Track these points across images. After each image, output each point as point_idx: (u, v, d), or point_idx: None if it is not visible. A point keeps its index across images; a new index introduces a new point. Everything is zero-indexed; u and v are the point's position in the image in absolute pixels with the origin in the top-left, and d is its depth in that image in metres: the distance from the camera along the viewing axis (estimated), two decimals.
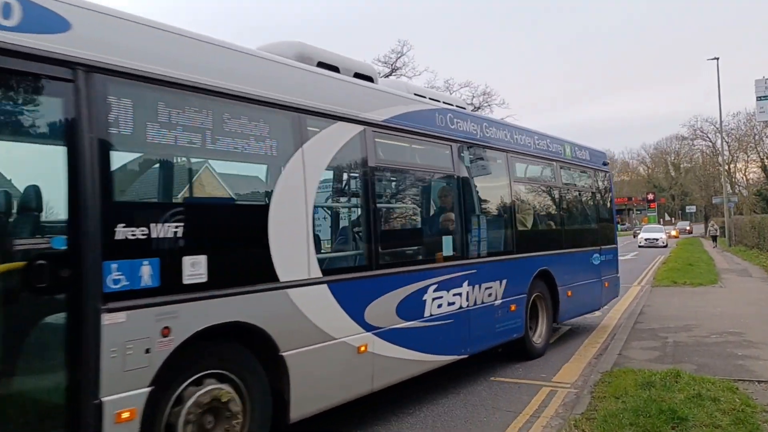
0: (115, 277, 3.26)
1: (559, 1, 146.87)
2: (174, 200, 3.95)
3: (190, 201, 4.00)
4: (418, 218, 6.32)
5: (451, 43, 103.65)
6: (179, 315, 3.53)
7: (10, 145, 3.38)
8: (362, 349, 4.88)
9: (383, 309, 5.14)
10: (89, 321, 3.15)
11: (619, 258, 11.30)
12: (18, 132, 3.28)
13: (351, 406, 5.12)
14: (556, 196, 8.80)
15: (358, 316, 4.87)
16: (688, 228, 67.39)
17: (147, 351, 3.37)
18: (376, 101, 5.52)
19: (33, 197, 3.32)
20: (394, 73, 33.74)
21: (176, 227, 3.58)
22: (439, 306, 5.85)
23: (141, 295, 3.36)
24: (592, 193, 10.18)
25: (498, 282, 6.83)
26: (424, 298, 5.65)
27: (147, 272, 3.40)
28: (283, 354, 4.17)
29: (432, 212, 6.55)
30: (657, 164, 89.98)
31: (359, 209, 5.35)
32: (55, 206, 3.32)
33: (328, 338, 4.56)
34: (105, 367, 3.18)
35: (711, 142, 60.91)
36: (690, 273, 18.68)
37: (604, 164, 10.81)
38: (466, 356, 6.30)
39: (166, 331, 3.45)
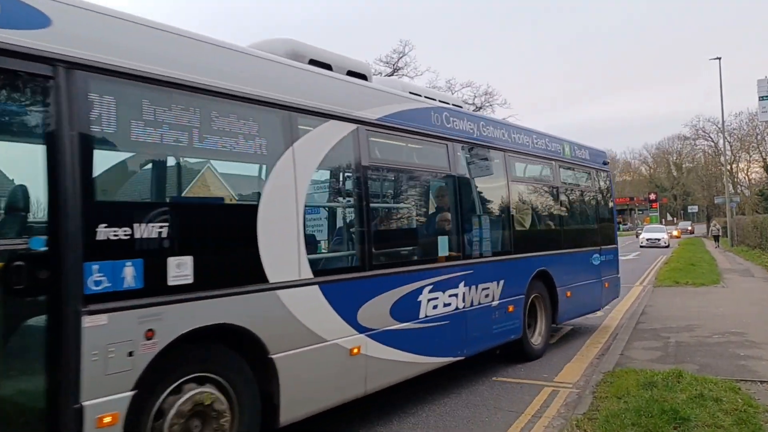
0: (96, 278, 3.18)
1: (559, 1, 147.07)
2: (159, 200, 3.87)
3: (175, 201, 3.93)
4: (413, 218, 6.23)
5: (451, 43, 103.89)
6: (164, 317, 3.45)
7: None
8: (355, 351, 4.79)
9: (377, 310, 5.06)
10: (69, 323, 3.08)
11: (621, 258, 11.23)
12: None
13: (352, 406, 5.09)
14: (555, 195, 8.70)
15: (350, 318, 4.78)
16: (689, 228, 67.22)
17: (130, 354, 3.29)
18: (370, 99, 5.43)
19: (11, 197, 3.25)
20: (395, 73, 33.78)
21: (161, 227, 3.50)
22: (435, 307, 5.76)
23: (123, 296, 3.28)
24: (592, 192, 10.08)
25: (495, 283, 6.74)
26: (419, 299, 5.57)
27: (130, 273, 3.32)
28: (273, 356, 4.09)
29: (427, 212, 6.47)
30: (659, 164, 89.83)
31: (352, 209, 5.27)
32: (35, 206, 3.25)
33: (320, 340, 4.48)
34: (86, 371, 3.11)
35: (713, 141, 60.92)
36: (692, 273, 18.62)
37: (604, 163, 10.71)
38: (462, 358, 6.21)
39: (150, 334, 3.37)
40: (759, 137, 55.81)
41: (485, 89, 39.56)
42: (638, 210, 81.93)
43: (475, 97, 37.42)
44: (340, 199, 5.85)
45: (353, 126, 5.10)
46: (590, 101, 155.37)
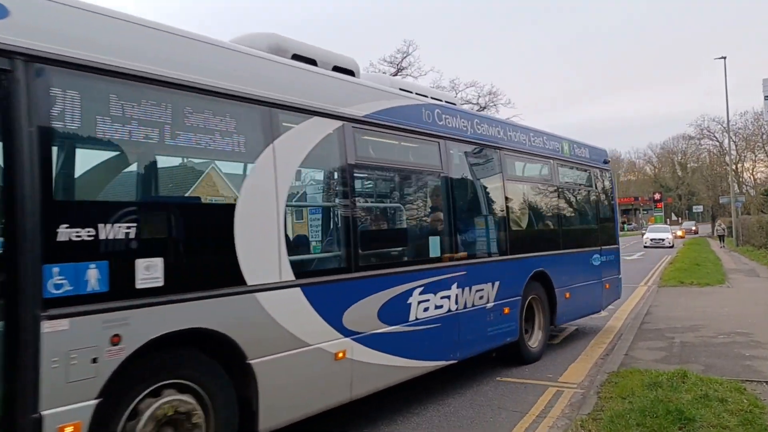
0: (56, 281, 3.02)
1: (559, 1, 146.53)
2: (126, 199, 3.70)
3: (144, 200, 3.76)
4: (403, 218, 6.04)
5: (451, 43, 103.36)
6: (131, 322, 3.29)
7: None
8: (340, 355, 4.61)
9: (364, 313, 4.88)
10: (27, 328, 2.92)
11: (626, 258, 11.13)
12: None
13: (354, 406, 5.05)
14: (553, 194, 8.50)
15: (335, 321, 4.61)
16: (693, 228, 66.92)
17: (94, 360, 3.12)
18: (357, 95, 5.27)
19: None
20: (399, 73, 33.81)
21: (128, 228, 3.34)
22: (426, 309, 5.58)
23: (87, 300, 3.12)
24: (592, 191, 9.86)
25: (490, 284, 6.55)
26: (409, 302, 5.38)
27: (94, 276, 3.16)
28: (251, 362, 3.92)
29: (418, 212, 6.29)
30: (664, 164, 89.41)
31: (338, 208, 5.10)
32: None
33: (302, 345, 4.30)
34: (45, 379, 2.95)
35: (718, 141, 60.43)
36: (697, 273, 18.51)
37: (605, 162, 10.49)
38: (455, 361, 6.03)
39: (115, 339, 3.21)
40: (764, 137, 55.34)
41: (489, 89, 39.63)
42: (643, 210, 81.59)
43: (479, 96, 37.43)
44: (325, 198, 5.67)
45: (339, 123, 4.93)
46: (590, 101, 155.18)
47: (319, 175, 5.51)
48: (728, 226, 42.74)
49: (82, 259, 3.12)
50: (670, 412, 4.91)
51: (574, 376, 6.93)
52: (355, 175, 5.10)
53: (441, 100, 6.83)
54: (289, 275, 4.25)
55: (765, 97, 28.65)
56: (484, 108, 36.28)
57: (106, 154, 3.62)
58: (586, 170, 9.70)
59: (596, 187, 9.98)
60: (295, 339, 4.25)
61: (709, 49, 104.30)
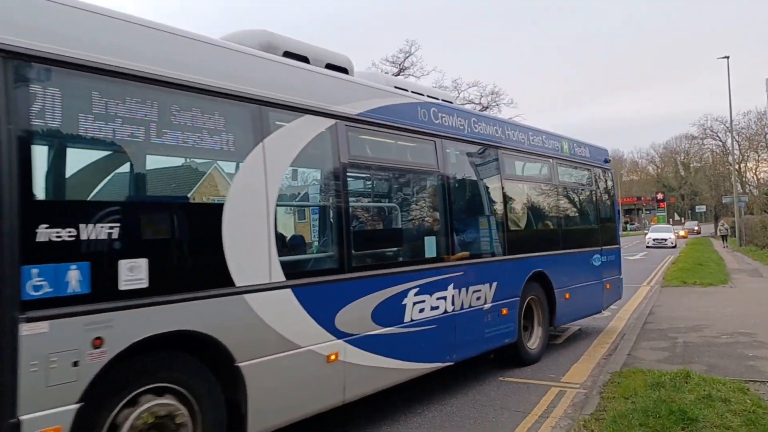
0: (36, 283, 2.94)
1: (559, 1, 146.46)
2: (109, 198, 3.64)
3: (128, 199, 3.69)
4: (398, 218, 5.95)
5: (451, 44, 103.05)
6: (114, 324, 3.21)
7: None
8: (332, 357, 4.52)
9: (357, 314, 4.79)
10: (5, 331, 2.84)
11: (628, 258, 11.04)
12: None
13: (356, 406, 5.01)
14: (553, 194, 8.40)
15: (327, 323, 4.52)
16: (696, 228, 66.64)
17: (75, 364, 3.04)
18: (350, 93, 5.18)
19: None
20: (402, 73, 33.76)
21: (111, 228, 3.25)
22: (421, 311, 5.48)
23: (67, 302, 3.04)
24: (593, 191, 9.76)
25: (487, 284, 6.45)
26: (403, 302, 5.29)
27: (75, 277, 3.08)
28: (240, 365, 3.83)
29: (414, 211, 6.20)
30: (666, 164, 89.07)
31: (331, 208, 5.01)
32: None
33: (293, 347, 4.21)
34: (24, 383, 2.87)
35: (721, 141, 60.10)
36: (700, 273, 18.41)
37: (606, 161, 10.39)
38: (451, 363, 5.93)
39: (97, 342, 3.13)
40: (767, 136, 55.08)
41: (492, 89, 39.51)
42: (646, 210, 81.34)
43: (482, 96, 37.38)
44: (318, 197, 5.58)
45: (331, 121, 4.85)
46: (590, 101, 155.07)
47: (311, 175, 5.43)
48: (731, 226, 42.52)
49: (63, 260, 3.04)
50: (673, 413, 4.88)
51: (576, 376, 6.89)
52: (348, 174, 5.01)
53: (437, 99, 6.75)
54: (279, 276, 4.17)
55: None
56: (487, 108, 36.20)
57: (89, 153, 3.55)
58: (586, 170, 9.59)
59: (597, 187, 9.87)
60: (285, 341, 4.16)
61: (710, 49, 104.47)
